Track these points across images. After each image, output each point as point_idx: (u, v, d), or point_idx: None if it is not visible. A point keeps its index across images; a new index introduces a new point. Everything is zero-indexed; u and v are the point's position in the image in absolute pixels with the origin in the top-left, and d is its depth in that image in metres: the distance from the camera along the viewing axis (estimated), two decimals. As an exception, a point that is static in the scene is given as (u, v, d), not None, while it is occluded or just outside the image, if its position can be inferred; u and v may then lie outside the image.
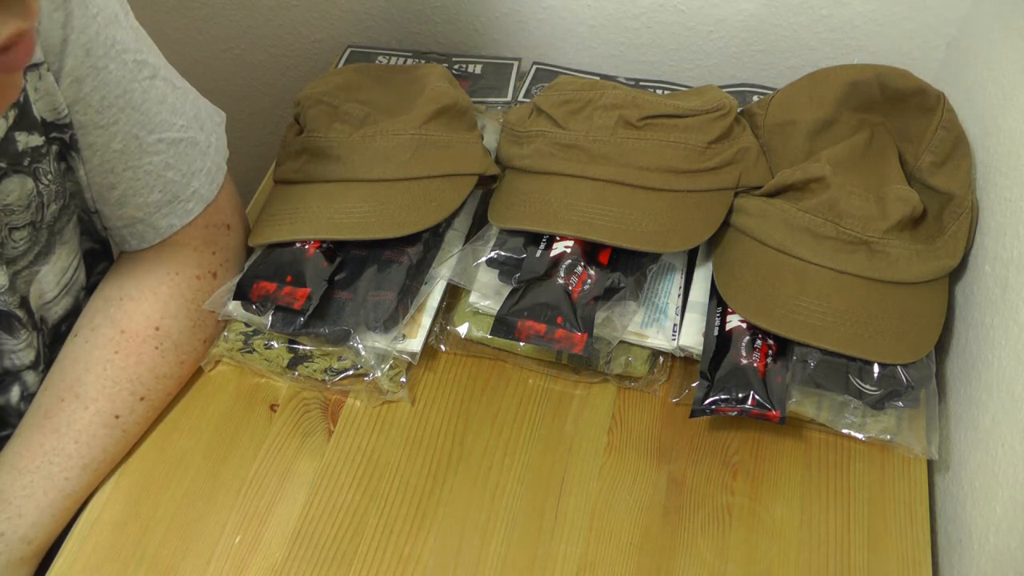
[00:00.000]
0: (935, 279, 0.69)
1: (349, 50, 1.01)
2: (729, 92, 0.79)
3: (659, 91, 0.92)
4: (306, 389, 0.71)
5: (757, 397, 0.64)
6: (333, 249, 0.71)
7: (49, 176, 0.60)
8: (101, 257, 0.74)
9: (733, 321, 0.68)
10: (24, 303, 0.63)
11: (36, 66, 0.56)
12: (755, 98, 0.90)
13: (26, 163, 0.58)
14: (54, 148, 0.60)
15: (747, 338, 0.67)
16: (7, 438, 0.64)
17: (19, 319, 0.63)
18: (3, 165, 0.57)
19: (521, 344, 0.69)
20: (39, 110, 0.58)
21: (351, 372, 0.70)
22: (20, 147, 0.57)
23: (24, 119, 0.57)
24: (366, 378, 0.70)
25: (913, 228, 0.70)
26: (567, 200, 0.71)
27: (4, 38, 0.36)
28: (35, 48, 0.37)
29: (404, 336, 0.70)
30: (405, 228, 0.70)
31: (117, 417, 0.65)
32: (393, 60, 0.99)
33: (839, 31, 0.90)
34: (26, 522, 0.61)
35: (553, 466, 0.67)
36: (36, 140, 0.58)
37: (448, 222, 0.76)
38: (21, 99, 0.56)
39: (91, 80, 0.59)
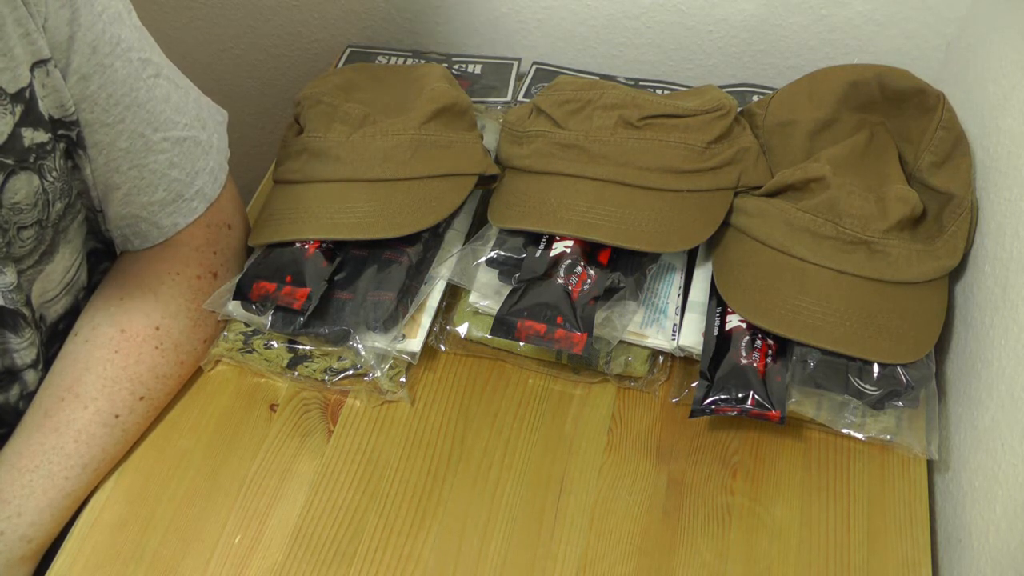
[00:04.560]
0: (935, 279, 0.69)
1: (349, 50, 1.01)
2: (729, 92, 0.79)
3: (659, 91, 0.92)
4: (306, 389, 0.71)
5: (757, 397, 0.64)
6: (333, 249, 0.71)
7: (54, 173, 0.60)
8: (104, 257, 0.74)
9: (733, 321, 0.68)
10: (28, 301, 0.63)
11: (43, 62, 0.56)
12: (755, 98, 0.90)
13: (32, 160, 0.58)
14: (61, 146, 0.61)
15: (747, 338, 0.67)
16: (5, 437, 0.64)
17: (24, 317, 0.63)
18: (10, 162, 0.57)
19: (521, 344, 0.69)
20: (46, 107, 0.58)
21: (351, 372, 0.70)
22: (26, 143, 0.57)
23: (30, 115, 0.57)
24: (366, 378, 0.70)
25: (913, 228, 0.70)
26: (567, 200, 0.71)
27: None
28: None
29: (404, 336, 0.70)
30: (405, 228, 0.70)
31: (117, 417, 0.65)
32: (393, 60, 0.99)
33: (839, 31, 0.90)
34: (25, 521, 0.61)
35: (553, 466, 0.67)
36: (42, 136, 0.58)
37: (448, 222, 0.76)
38: (28, 95, 0.56)
39: (98, 78, 0.59)
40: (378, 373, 0.69)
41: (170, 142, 0.65)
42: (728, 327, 0.68)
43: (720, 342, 0.68)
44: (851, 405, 0.67)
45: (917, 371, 0.65)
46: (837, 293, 0.67)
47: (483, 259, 0.72)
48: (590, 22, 0.95)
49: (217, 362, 0.72)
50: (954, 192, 0.71)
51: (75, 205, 0.65)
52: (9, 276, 0.60)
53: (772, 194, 0.74)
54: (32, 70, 0.56)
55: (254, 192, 0.85)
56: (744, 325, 0.68)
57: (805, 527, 0.63)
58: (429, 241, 0.73)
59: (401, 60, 0.99)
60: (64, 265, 0.66)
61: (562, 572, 0.61)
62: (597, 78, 0.93)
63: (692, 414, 0.65)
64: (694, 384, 0.67)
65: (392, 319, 0.69)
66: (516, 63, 0.97)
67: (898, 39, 0.89)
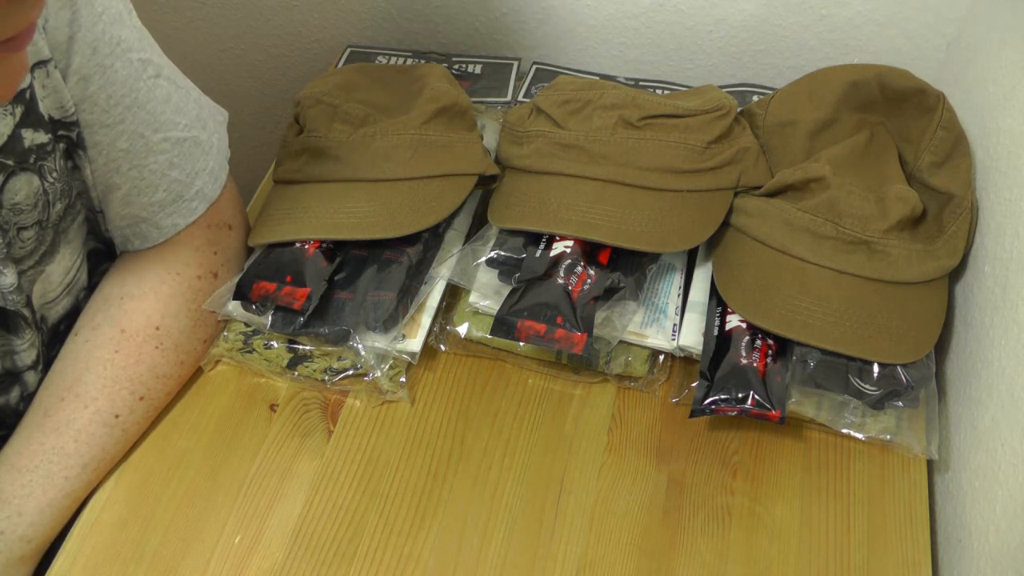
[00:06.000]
0: (935, 279, 0.69)
1: (349, 50, 1.01)
2: (729, 92, 0.79)
3: (659, 91, 0.92)
4: (306, 389, 0.71)
5: (757, 397, 0.64)
6: (333, 249, 0.71)
7: (54, 174, 0.60)
8: (104, 257, 0.74)
9: (733, 321, 0.68)
10: (28, 302, 0.63)
11: (44, 63, 0.56)
12: (755, 98, 0.90)
13: (32, 160, 0.58)
14: (60, 146, 0.61)
15: (747, 338, 0.67)
16: (5, 438, 0.64)
17: (24, 319, 0.63)
18: (10, 163, 0.57)
19: (521, 344, 0.69)
20: (46, 107, 0.58)
21: (351, 372, 0.70)
22: (26, 144, 0.58)
23: (30, 116, 0.57)
24: (366, 378, 0.70)
25: (913, 228, 0.70)
26: (567, 200, 0.71)
27: (22, 28, 0.38)
28: (35, 31, 0.40)
29: (404, 336, 0.70)
30: (405, 228, 0.70)
31: (117, 416, 0.65)
32: (393, 60, 0.99)
33: (839, 31, 0.90)
34: (25, 521, 0.61)
35: (553, 466, 0.67)
36: (42, 137, 0.58)
37: (448, 222, 0.76)
38: (28, 96, 0.56)
39: (98, 78, 0.59)
40: (378, 373, 0.69)
41: (170, 143, 0.65)
42: (728, 327, 0.68)
43: (720, 342, 0.68)
44: (851, 405, 0.67)
45: (917, 371, 0.65)
46: (837, 293, 0.67)
47: (483, 259, 0.72)
48: (590, 22, 0.95)
49: (217, 362, 0.72)
50: (954, 192, 0.71)
51: (75, 206, 0.65)
52: (9, 277, 0.60)
53: (772, 194, 0.74)
54: (32, 71, 0.56)
55: (254, 192, 0.85)
56: (744, 325, 0.68)
57: (805, 527, 0.63)
58: (429, 241, 0.73)
59: (401, 60, 0.99)
60: (64, 266, 0.66)
61: (562, 572, 0.61)
62: (597, 78, 0.93)
63: (692, 414, 0.65)
64: (694, 384, 0.67)
65: (392, 319, 0.69)
66: (516, 63, 0.97)
67: (898, 39, 0.89)
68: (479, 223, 0.78)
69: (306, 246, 0.70)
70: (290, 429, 0.69)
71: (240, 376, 0.72)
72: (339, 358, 0.70)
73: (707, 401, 0.65)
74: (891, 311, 0.67)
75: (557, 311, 0.66)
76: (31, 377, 0.66)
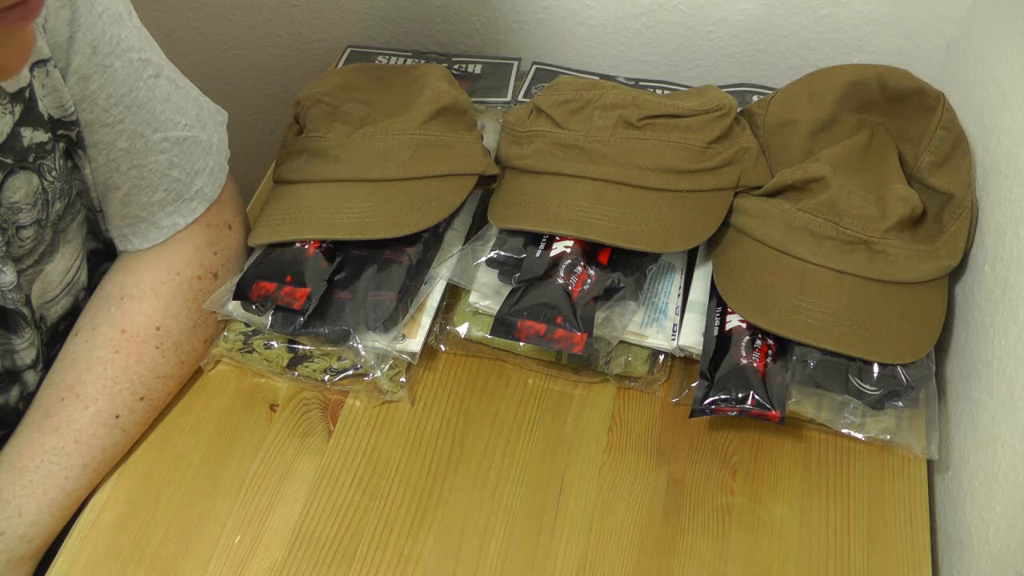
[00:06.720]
0: (935, 279, 0.69)
1: (349, 50, 1.01)
2: (729, 92, 0.79)
3: (659, 91, 0.92)
4: (306, 389, 0.71)
5: (757, 397, 0.64)
6: (333, 249, 0.71)
7: (54, 173, 0.61)
8: (104, 257, 0.74)
9: (733, 321, 0.68)
10: (28, 301, 0.63)
11: (44, 62, 0.56)
12: (755, 98, 0.90)
13: (31, 159, 0.58)
14: (60, 145, 0.61)
15: (747, 338, 0.67)
16: (5, 438, 0.64)
17: (24, 317, 0.63)
18: (9, 161, 0.57)
19: (521, 344, 0.69)
20: (46, 107, 0.58)
21: (351, 372, 0.70)
22: (26, 143, 0.58)
23: (30, 115, 0.57)
24: (366, 378, 0.70)
25: (913, 228, 0.70)
26: (567, 200, 0.71)
27: None
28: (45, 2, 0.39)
29: (404, 336, 0.70)
30: (405, 228, 0.70)
31: (117, 417, 0.65)
32: (393, 60, 0.99)
33: (839, 31, 0.90)
34: (26, 521, 0.61)
35: (553, 466, 0.67)
36: (42, 136, 0.58)
37: (448, 222, 0.76)
38: (27, 95, 0.56)
39: (97, 78, 0.60)
40: (378, 373, 0.69)
41: (170, 142, 0.65)
42: (728, 327, 0.68)
43: (720, 342, 0.68)
44: (851, 405, 0.67)
45: (917, 371, 0.65)
46: (837, 293, 0.67)
47: (483, 259, 0.72)
48: (590, 22, 0.95)
49: (217, 362, 0.72)
50: (954, 192, 0.71)
51: (75, 205, 0.65)
52: (8, 276, 0.60)
53: (772, 194, 0.74)
54: (32, 70, 0.56)
55: (254, 192, 0.85)
56: (744, 325, 0.68)
57: (805, 527, 0.63)
58: (429, 241, 0.73)
59: (401, 60, 0.99)
60: (64, 265, 0.66)
61: (562, 572, 0.61)
62: (597, 78, 0.93)
63: (692, 414, 0.65)
64: (694, 384, 0.67)
65: (392, 319, 0.69)
66: (516, 63, 0.97)
67: (898, 39, 0.89)
68: (479, 223, 0.78)
69: (306, 246, 0.70)
70: (290, 429, 0.69)
71: (240, 376, 0.72)
72: (339, 358, 0.70)
73: (707, 401, 0.65)
74: (891, 311, 0.67)
75: (557, 311, 0.66)
76: (31, 376, 0.66)
